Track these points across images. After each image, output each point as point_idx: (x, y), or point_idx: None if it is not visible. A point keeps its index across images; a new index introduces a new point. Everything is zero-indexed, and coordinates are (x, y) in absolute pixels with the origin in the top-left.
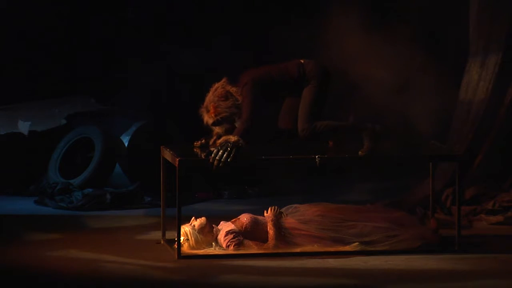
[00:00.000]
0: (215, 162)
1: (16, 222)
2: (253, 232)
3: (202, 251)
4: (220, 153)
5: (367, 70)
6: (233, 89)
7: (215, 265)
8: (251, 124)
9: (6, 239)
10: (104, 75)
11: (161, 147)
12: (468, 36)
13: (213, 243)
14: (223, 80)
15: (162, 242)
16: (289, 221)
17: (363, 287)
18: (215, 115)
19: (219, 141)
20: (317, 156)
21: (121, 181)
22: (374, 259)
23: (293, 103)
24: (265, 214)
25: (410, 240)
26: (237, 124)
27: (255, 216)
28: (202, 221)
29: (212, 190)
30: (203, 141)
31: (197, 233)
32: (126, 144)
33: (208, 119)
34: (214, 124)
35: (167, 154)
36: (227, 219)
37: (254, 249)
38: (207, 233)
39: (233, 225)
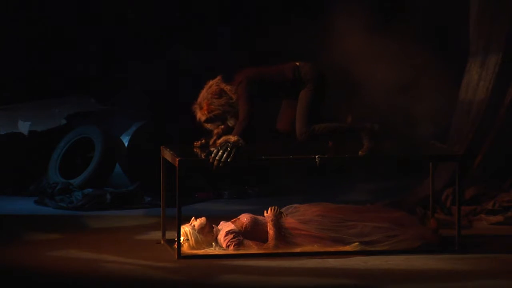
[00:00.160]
0: (215, 162)
1: (16, 222)
2: (253, 232)
3: (202, 251)
4: (220, 153)
5: (369, 70)
6: (227, 87)
7: (215, 265)
8: (249, 122)
9: (6, 239)
10: (104, 75)
11: (161, 147)
12: (468, 36)
13: (213, 243)
14: (218, 77)
15: (162, 242)
16: (289, 221)
17: (363, 287)
18: (208, 112)
19: (219, 141)
20: (317, 156)
21: (121, 181)
22: (374, 259)
23: (291, 105)
24: (265, 214)
25: (410, 240)
26: (229, 123)
27: (255, 216)
28: (202, 221)
29: (212, 190)
30: (203, 141)
31: (197, 233)
32: (126, 144)
33: (201, 116)
34: (207, 121)
35: (167, 154)
36: (227, 219)
37: (254, 249)
38: (207, 233)
39: (233, 225)
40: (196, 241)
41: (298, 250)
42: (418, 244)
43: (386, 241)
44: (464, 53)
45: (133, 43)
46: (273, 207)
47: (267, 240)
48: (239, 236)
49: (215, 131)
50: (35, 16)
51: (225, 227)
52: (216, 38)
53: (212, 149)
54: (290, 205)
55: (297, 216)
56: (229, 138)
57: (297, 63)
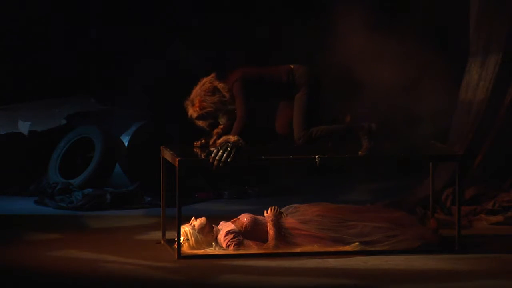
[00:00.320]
0: (215, 162)
1: (16, 222)
2: (253, 232)
3: (202, 251)
4: (220, 153)
5: (370, 70)
6: (220, 85)
7: (215, 265)
8: (247, 121)
9: (6, 239)
10: (104, 75)
11: (161, 147)
12: (468, 36)
13: (213, 243)
14: (212, 75)
15: (162, 242)
16: (289, 221)
17: (363, 287)
18: (200, 109)
19: (219, 141)
20: (317, 156)
21: (121, 181)
22: (374, 259)
23: (287, 107)
24: (265, 214)
25: (410, 240)
26: (221, 121)
27: (255, 216)
28: (202, 221)
29: (212, 190)
30: (203, 141)
31: (197, 233)
32: (126, 144)
33: (192, 112)
34: (198, 118)
35: (167, 154)
36: (227, 219)
37: (254, 249)
38: (207, 233)
39: (233, 225)
40: (196, 241)
41: (298, 250)
42: (418, 244)
43: (386, 241)
44: (464, 53)
45: (133, 43)
46: (273, 207)
47: (267, 240)
48: (239, 236)
49: (215, 131)
50: (35, 15)
51: (225, 227)
52: (217, 38)
53: (212, 149)
54: (290, 205)
55: (297, 216)
56: (229, 138)
57: (291, 66)
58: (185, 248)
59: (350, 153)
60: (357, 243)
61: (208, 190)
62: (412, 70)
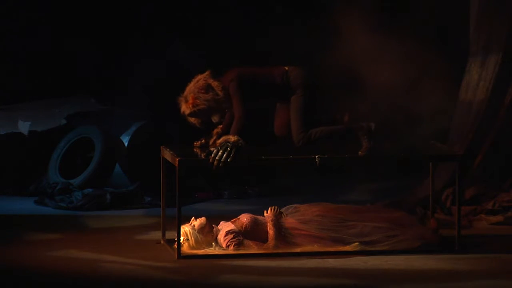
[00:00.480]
0: (215, 162)
1: (16, 222)
2: (253, 232)
3: (202, 251)
4: (220, 153)
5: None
6: (215, 83)
7: (215, 265)
8: (245, 121)
9: (6, 239)
10: (104, 75)
11: (161, 147)
12: (468, 36)
13: (213, 243)
14: (207, 72)
15: (162, 242)
16: (289, 221)
17: (363, 287)
18: (193, 106)
19: (219, 141)
20: (317, 156)
21: (121, 181)
22: (374, 259)
23: (284, 108)
24: (265, 214)
25: (410, 240)
26: (213, 119)
27: (255, 216)
28: (202, 221)
29: (212, 190)
30: (203, 141)
31: (197, 233)
32: (126, 144)
33: (185, 109)
34: (190, 115)
35: (167, 154)
36: (227, 219)
37: (254, 249)
38: (207, 233)
39: (233, 225)
40: (196, 241)
41: (298, 250)
42: (418, 244)
43: (386, 241)
44: (464, 53)
45: (133, 43)
46: (273, 207)
47: (267, 240)
48: (239, 236)
49: (215, 131)
50: (35, 15)
51: (225, 227)
52: (217, 38)
53: (212, 149)
54: (290, 205)
55: (297, 216)
56: (229, 138)
57: (286, 68)
58: (185, 248)
59: (350, 153)
60: (357, 243)
61: (208, 190)
62: (412, 70)
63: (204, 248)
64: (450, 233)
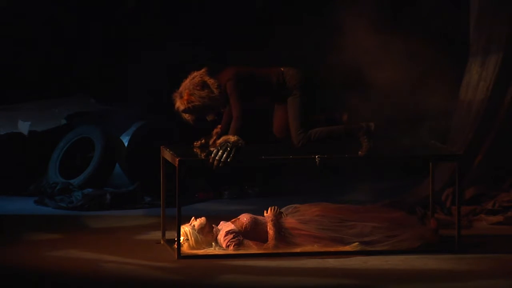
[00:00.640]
0: (215, 162)
1: (16, 222)
2: (253, 232)
3: (202, 251)
4: (220, 153)
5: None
6: (211, 81)
7: (215, 265)
8: (243, 119)
9: (6, 239)
10: (104, 75)
11: (161, 147)
12: (468, 36)
13: (213, 243)
14: (203, 69)
15: (162, 242)
16: (289, 221)
17: (363, 287)
18: (187, 103)
19: (219, 141)
20: (317, 156)
21: (121, 181)
22: (374, 259)
23: (282, 109)
24: (265, 214)
25: (410, 240)
26: (208, 117)
27: (255, 216)
28: (202, 221)
29: (212, 190)
30: (203, 141)
31: (197, 233)
32: (126, 144)
33: (179, 105)
34: (185, 111)
35: (167, 154)
36: (227, 219)
37: (254, 249)
38: (207, 233)
39: (233, 225)
40: (196, 241)
41: (298, 250)
42: (418, 244)
43: (386, 241)
44: (464, 53)
45: (133, 43)
46: (273, 207)
47: (267, 240)
48: (239, 236)
49: (214, 131)
50: (35, 15)
51: (225, 227)
52: (218, 37)
53: (212, 149)
54: (290, 205)
55: (297, 216)
56: (229, 138)
57: (282, 69)
58: (185, 248)
59: (350, 153)
60: (357, 243)
61: (208, 190)
62: (414, 70)
63: (204, 248)
64: (450, 233)
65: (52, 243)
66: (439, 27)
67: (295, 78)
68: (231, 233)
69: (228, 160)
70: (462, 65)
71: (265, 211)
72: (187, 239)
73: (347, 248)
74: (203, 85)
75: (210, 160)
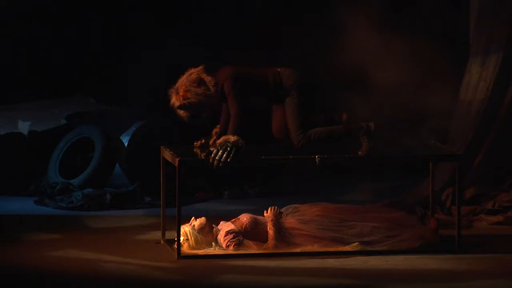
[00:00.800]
0: (215, 162)
1: (16, 222)
2: (253, 232)
3: (202, 251)
4: (220, 153)
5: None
6: (208, 78)
7: (215, 265)
8: (242, 118)
9: (6, 239)
10: (104, 74)
11: (161, 147)
12: (468, 36)
13: (213, 243)
14: (200, 67)
15: (162, 242)
16: (289, 221)
17: (363, 287)
18: (183, 99)
19: (219, 141)
20: (317, 156)
21: (121, 181)
22: (374, 259)
23: (281, 111)
24: (265, 214)
25: (410, 240)
26: (203, 114)
27: (255, 216)
28: (202, 221)
29: (212, 190)
30: (203, 141)
31: (197, 233)
32: (126, 144)
33: (175, 101)
34: (180, 107)
35: (167, 154)
36: (227, 219)
37: (254, 249)
38: (207, 233)
39: (233, 225)
40: (196, 241)
41: (298, 250)
42: (418, 244)
43: (386, 241)
44: (464, 53)
45: (133, 43)
46: (273, 207)
47: (267, 240)
48: (239, 236)
49: (214, 131)
50: (35, 15)
51: (225, 227)
52: (219, 37)
53: (212, 149)
54: (290, 205)
55: (297, 216)
56: (229, 138)
57: (278, 69)
58: (185, 248)
59: (350, 153)
60: (357, 243)
61: (208, 190)
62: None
63: (204, 248)
64: (450, 233)
65: (52, 243)
66: (439, 27)
67: (292, 78)
68: (231, 233)
69: (228, 160)
70: (462, 65)
71: (265, 211)
72: (187, 239)
73: (347, 248)
74: (200, 82)
75: (210, 160)
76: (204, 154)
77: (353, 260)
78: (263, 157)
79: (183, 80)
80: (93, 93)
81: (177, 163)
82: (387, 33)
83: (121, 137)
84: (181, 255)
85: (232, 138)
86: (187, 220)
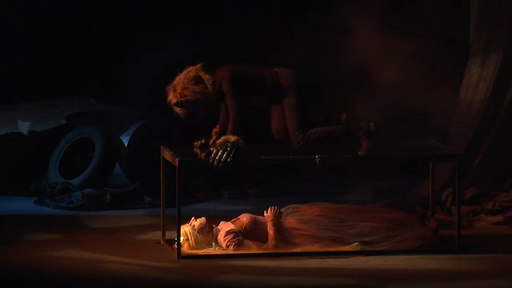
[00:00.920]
0: (215, 162)
1: (16, 222)
2: (253, 232)
3: (202, 251)
4: (220, 153)
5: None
6: (206, 76)
7: (215, 265)
8: (241, 118)
9: (6, 239)
10: (104, 74)
11: (161, 147)
12: (468, 36)
13: (213, 243)
14: (199, 65)
15: (162, 242)
16: (289, 221)
17: (363, 287)
18: (180, 96)
19: (219, 141)
20: (317, 156)
21: (121, 181)
22: (374, 259)
23: (280, 111)
24: (265, 214)
25: (410, 240)
26: (199, 112)
27: (255, 216)
28: (202, 221)
29: (212, 190)
30: (203, 141)
31: (197, 233)
32: (126, 144)
33: (172, 98)
34: (177, 104)
35: (167, 154)
36: (227, 219)
37: (254, 249)
38: (207, 233)
39: (233, 225)
40: (196, 241)
41: (298, 250)
42: (418, 244)
43: (386, 241)
44: (464, 53)
45: (133, 42)
46: (273, 207)
47: (267, 240)
48: (239, 236)
49: (214, 131)
50: (35, 15)
51: (225, 227)
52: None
53: (212, 149)
54: (290, 205)
55: (297, 216)
56: (229, 138)
57: (276, 69)
58: (185, 248)
59: (350, 153)
60: (357, 243)
61: (208, 190)
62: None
63: (204, 248)
64: (450, 233)
65: (52, 243)
66: (439, 27)
67: (290, 78)
68: (231, 233)
69: (228, 160)
70: (462, 65)
71: (265, 211)
72: (187, 239)
73: (347, 248)
74: (198, 80)
75: (210, 160)
76: (204, 154)
77: (353, 260)
78: (263, 157)
79: (181, 78)
80: (93, 93)
81: (177, 163)
82: (387, 33)
83: (121, 137)
84: (181, 255)
85: (232, 138)
86: (187, 220)
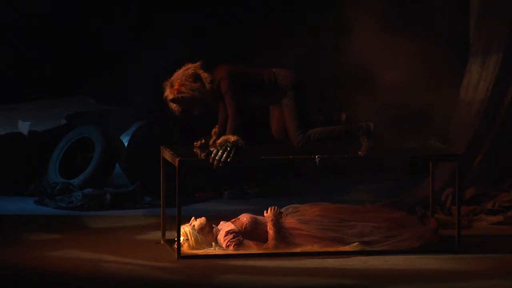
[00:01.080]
0: (215, 162)
1: (16, 222)
2: (253, 232)
3: (202, 251)
4: (220, 153)
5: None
6: (204, 74)
7: (215, 265)
8: (240, 117)
9: (6, 239)
10: (104, 74)
11: (161, 147)
12: (468, 36)
13: (213, 243)
14: (198, 63)
15: (162, 242)
16: (289, 221)
17: (363, 287)
18: (177, 93)
19: (219, 141)
20: (316, 156)
21: (121, 181)
22: (374, 259)
23: (279, 111)
24: (265, 214)
25: (410, 240)
26: (194, 110)
27: (255, 216)
28: (202, 221)
29: (212, 190)
30: (203, 141)
31: (197, 233)
32: (126, 144)
33: (169, 94)
34: (173, 101)
35: (167, 154)
36: (227, 219)
37: (254, 249)
38: (207, 233)
39: (233, 225)
40: (196, 241)
41: (298, 250)
42: (418, 244)
43: (385, 241)
44: (464, 53)
45: (133, 42)
46: (273, 207)
47: (267, 240)
48: (239, 236)
49: (213, 131)
50: (35, 15)
51: (225, 227)
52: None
53: (212, 149)
54: (290, 205)
55: (297, 216)
56: (229, 138)
57: (274, 70)
58: (185, 248)
59: (350, 153)
60: (357, 243)
61: (208, 190)
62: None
63: (204, 248)
64: (450, 233)
65: (52, 243)
66: (440, 27)
67: (288, 79)
68: (231, 233)
69: (228, 160)
70: (462, 65)
71: (265, 211)
72: (187, 239)
73: (347, 248)
74: (196, 77)
75: (210, 160)
76: (204, 154)
77: (353, 260)
78: (263, 157)
79: (179, 74)
80: (93, 93)
81: (177, 163)
82: (387, 33)
83: (121, 137)
84: (181, 255)
85: (232, 138)
86: (187, 220)
